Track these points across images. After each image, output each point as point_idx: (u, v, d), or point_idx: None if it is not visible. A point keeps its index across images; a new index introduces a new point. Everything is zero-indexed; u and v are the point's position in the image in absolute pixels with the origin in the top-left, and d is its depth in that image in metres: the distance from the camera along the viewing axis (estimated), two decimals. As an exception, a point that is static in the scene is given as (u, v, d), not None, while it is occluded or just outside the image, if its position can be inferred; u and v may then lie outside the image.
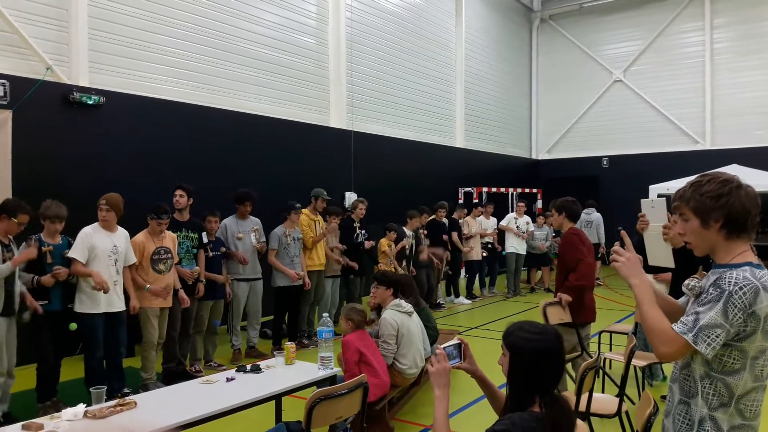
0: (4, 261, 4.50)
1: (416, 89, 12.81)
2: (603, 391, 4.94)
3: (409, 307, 4.83)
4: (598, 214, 12.01)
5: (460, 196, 13.12)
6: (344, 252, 7.69)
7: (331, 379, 3.88)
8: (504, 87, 16.34)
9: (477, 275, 10.69)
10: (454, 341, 2.27)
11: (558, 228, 5.37)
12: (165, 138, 7.78)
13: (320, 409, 3.08)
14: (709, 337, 1.83)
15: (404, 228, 8.71)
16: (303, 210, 7.20)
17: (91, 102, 6.97)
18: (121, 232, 5.20)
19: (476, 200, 12.55)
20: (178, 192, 5.94)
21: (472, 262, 10.50)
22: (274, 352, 4.27)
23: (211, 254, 6.10)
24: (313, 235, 7.13)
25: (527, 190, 14.98)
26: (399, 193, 10.83)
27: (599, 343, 5.79)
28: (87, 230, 4.99)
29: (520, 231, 10.77)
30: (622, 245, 2.16)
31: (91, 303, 4.93)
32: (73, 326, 4.93)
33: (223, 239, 6.37)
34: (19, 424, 2.84)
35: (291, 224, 6.81)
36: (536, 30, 17.72)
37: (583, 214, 12.90)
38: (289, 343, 4.23)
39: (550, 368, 2.00)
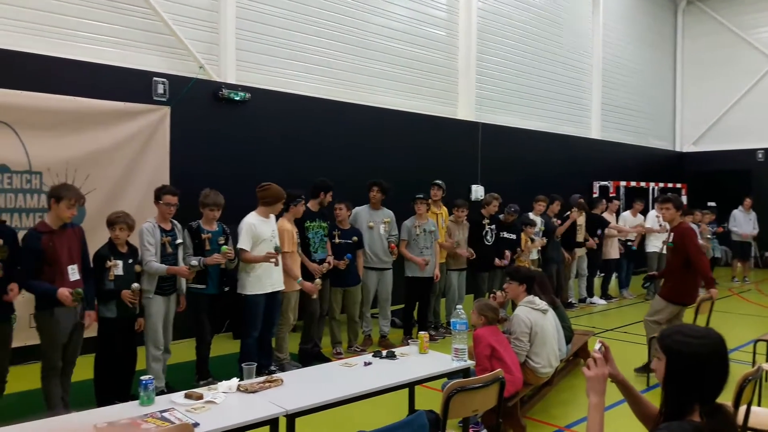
0: (166, 251, 4.94)
1: (549, 78, 12.37)
2: (759, 404, 4.50)
3: (543, 304, 4.70)
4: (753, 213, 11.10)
5: (594, 190, 12.51)
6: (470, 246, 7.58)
7: (465, 372, 3.87)
8: (645, 74, 15.30)
9: (614, 274, 10.15)
10: (597, 345, 2.17)
11: (670, 221, 5.84)
12: (304, 131, 8.15)
13: (457, 400, 3.08)
14: None
15: (529, 214, 8.41)
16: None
17: (238, 98, 7.47)
18: (274, 218, 5.54)
19: (613, 194, 11.90)
20: (330, 193, 6.20)
21: (609, 261, 9.97)
22: (408, 341, 4.33)
23: (338, 241, 6.27)
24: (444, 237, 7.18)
25: (670, 185, 13.95)
26: (528, 187, 10.51)
27: (754, 352, 5.28)
28: (249, 220, 5.33)
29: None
30: None
31: (255, 285, 5.29)
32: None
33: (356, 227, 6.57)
34: (182, 392, 3.11)
35: (420, 216, 6.86)
36: (682, 13, 16.39)
37: (738, 212, 11.88)
38: (423, 332, 4.26)
39: (712, 375, 1.85)
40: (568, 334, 5.28)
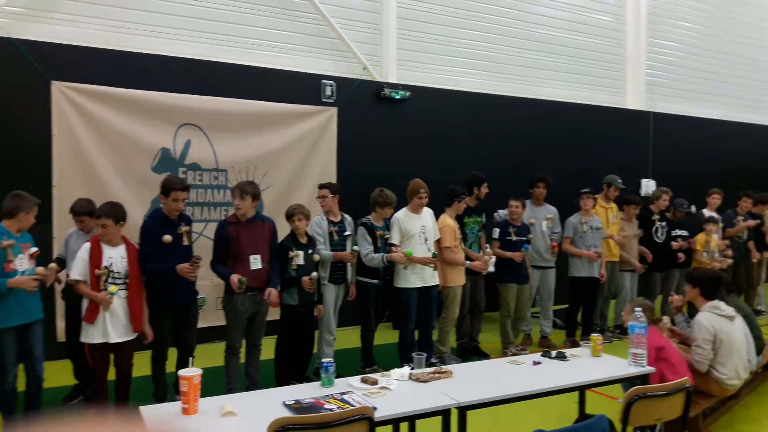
0: (333, 240, 5.22)
1: (730, 62, 11.14)
2: None
3: (729, 310, 4.28)
4: None
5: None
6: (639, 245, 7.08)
7: (643, 379, 3.62)
8: None
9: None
10: None
11: None
12: (463, 127, 8.15)
13: (638, 407, 2.90)
14: None
15: (704, 211, 7.64)
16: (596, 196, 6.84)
17: (398, 97, 7.65)
18: (427, 212, 5.62)
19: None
20: (484, 185, 6.15)
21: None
22: (581, 343, 4.16)
23: (514, 239, 6.09)
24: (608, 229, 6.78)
25: None
26: (706, 181, 9.57)
27: None
28: (398, 216, 5.48)
29: None
30: None
31: (406, 279, 5.43)
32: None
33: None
34: (358, 377, 3.26)
35: (586, 212, 6.53)
36: None
37: None
38: (596, 334, 4.06)
39: None
40: (759, 344, 4.76)
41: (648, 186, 9.59)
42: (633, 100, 9.92)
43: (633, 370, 3.61)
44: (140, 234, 4.46)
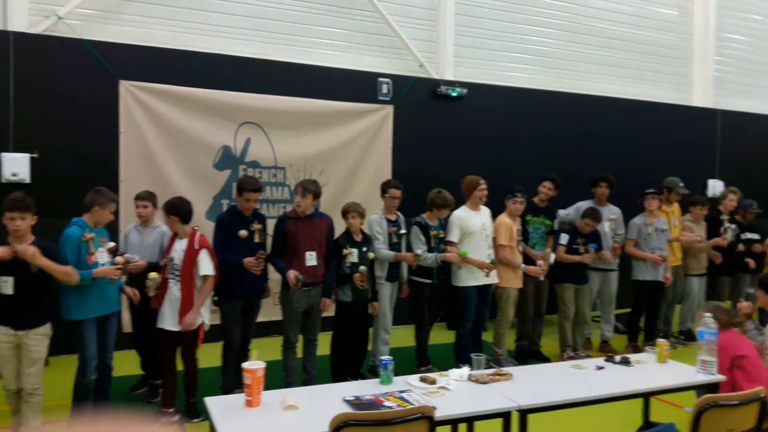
0: (392, 241, 5.23)
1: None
2: None
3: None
4: None
5: None
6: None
7: (713, 387, 3.46)
8: None
9: None
10: None
11: None
12: (520, 125, 8.01)
13: (709, 417, 2.77)
14: None
15: None
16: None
17: (455, 94, 7.58)
18: (485, 211, 5.54)
19: None
20: (547, 185, 6.04)
21: None
22: (646, 348, 4.02)
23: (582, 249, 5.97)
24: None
25: None
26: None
27: None
28: (458, 213, 5.45)
29: None
30: None
31: (467, 277, 5.38)
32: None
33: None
34: (417, 375, 3.25)
35: (651, 213, 6.30)
36: None
37: None
38: (663, 340, 3.91)
39: None
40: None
41: (715, 187, 9.19)
42: (699, 97, 9.53)
43: (701, 377, 3.46)
44: (214, 228, 4.73)
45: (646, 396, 3.67)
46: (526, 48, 8.30)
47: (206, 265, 4.27)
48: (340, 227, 5.08)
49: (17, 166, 5.65)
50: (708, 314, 3.53)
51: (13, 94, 5.71)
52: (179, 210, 4.31)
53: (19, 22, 5.84)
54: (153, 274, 4.30)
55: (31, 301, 3.72)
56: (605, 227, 6.28)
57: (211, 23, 6.66)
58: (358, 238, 5.00)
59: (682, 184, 6.70)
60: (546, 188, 6.04)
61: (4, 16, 5.82)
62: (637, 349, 5.83)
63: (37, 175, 5.72)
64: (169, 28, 6.48)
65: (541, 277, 5.70)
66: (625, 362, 3.69)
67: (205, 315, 4.38)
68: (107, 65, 5.99)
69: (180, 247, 4.31)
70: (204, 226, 5.29)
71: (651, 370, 3.65)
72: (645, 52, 9.15)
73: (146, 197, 4.79)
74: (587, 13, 8.69)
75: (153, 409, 4.46)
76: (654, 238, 6.22)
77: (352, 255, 4.88)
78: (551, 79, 8.43)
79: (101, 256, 4.05)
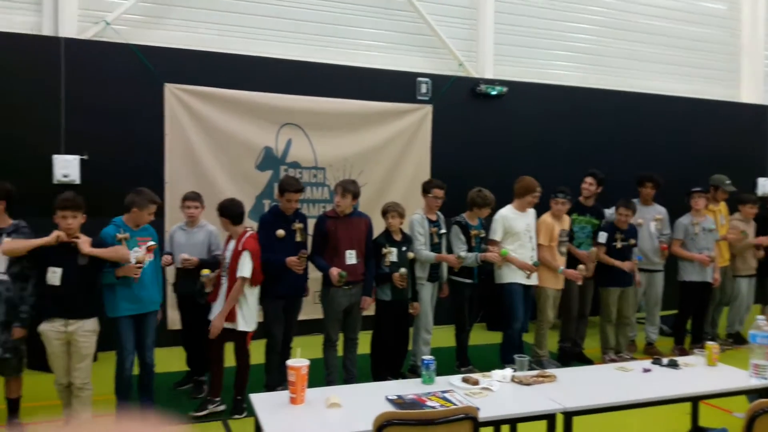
0: (433, 241, 5.22)
1: None
2: None
3: None
4: None
5: None
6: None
7: (766, 392, 3.35)
8: None
9: None
10: None
11: None
12: (562, 123, 7.89)
13: (763, 422, 2.67)
14: None
15: None
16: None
17: (494, 93, 7.51)
18: (531, 212, 5.48)
19: None
20: (588, 180, 5.93)
21: None
22: (694, 350, 3.92)
23: (619, 246, 5.78)
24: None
25: None
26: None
27: None
28: (503, 212, 5.41)
29: None
30: None
31: (510, 274, 5.33)
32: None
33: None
34: (459, 376, 3.23)
35: (698, 212, 6.12)
36: None
37: None
38: (712, 342, 3.81)
39: None
40: None
41: (765, 185, 8.90)
42: (748, 93, 9.22)
43: (754, 382, 3.36)
44: (257, 227, 4.81)
45: (695, 400, 3.57)
46: (567, 45, 8.18)
47: (242, 267, 4.31)
48: (378, 227, 5.10)
49: (68, 167, 5.84)
50: (762, 316, 3.42)
51: (64, 97, 5.91)
52: (229, 212, 4.43)
53: (70, 29, 6.04)
54: (205, 271, 4.50)
55: (79, 293, 3.83)
56: (651, 227, 6.13)
57: (253, 26, 6.77)
58: (398, 237, 5.00)
59: (728, 182, 6.50)
60: (588, 183, 5.92)
61: (56, 23, 6.03)
62: (683, 352, 5.66)
63: (86, 176, 5.91)
64: (212, 32, 6.62)
65: (580, 281, 5.57)
66: (673, 365, 3.60)
67: (250, 321, 4.44)
68: (153, 69, 6.14)
69: (231, 246, 4.42)
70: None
71: (700, 373, 3.55)
72: (691, 48, 8.92)
73: (195, 198, 4.93)
74: (630, 9, 8.51)
75: (197, 404, 4.54)
76: (701, 238, 6.05)
77: (392, 254, 4.89)
78: (593, 77, 8.28)
79: (135, 255, 4.09)
